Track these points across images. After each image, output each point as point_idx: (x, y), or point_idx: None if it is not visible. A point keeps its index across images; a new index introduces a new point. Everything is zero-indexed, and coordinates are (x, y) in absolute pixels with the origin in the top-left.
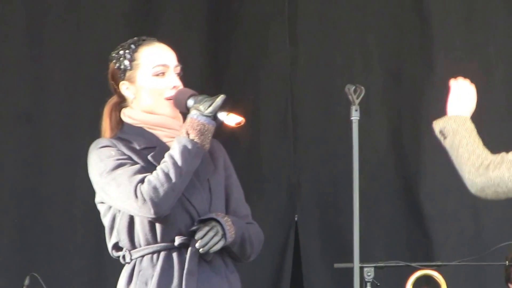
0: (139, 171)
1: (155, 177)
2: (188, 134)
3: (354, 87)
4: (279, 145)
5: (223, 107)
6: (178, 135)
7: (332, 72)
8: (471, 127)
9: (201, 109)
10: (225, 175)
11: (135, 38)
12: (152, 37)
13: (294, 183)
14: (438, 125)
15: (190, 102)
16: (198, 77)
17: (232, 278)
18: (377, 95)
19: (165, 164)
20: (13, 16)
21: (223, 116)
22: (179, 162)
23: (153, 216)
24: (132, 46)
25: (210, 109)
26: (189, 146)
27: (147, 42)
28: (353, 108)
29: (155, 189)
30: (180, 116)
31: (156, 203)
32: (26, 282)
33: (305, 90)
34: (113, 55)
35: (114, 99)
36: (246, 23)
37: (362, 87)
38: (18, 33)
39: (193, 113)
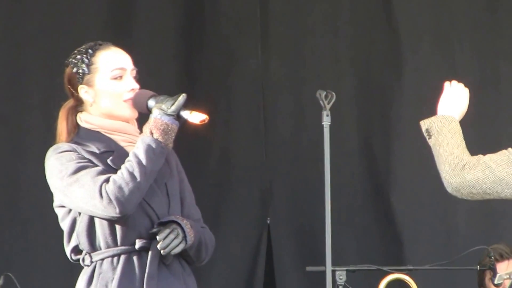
0: (102, 172)
1: (120, 177)
2: (152, 134)
3: (325, 93)
4: (251, 149)
5: (185, 105)
6: (138, 138)
7: (303, 78)
8: (456, 128)
9: (164, 109)
10: (178, 179)
11: (91, 43)
12: (127, 43)
13: (266, 186)
14: (424, 124)
15: (151, 103)
16: (172, 83)
17: (189, 281)
18: (348, 100)
19: (130, 163)
20: None
21: (187, 114)
22: (144, 161)
23: (118, 215)
24: (90, 51)
25: (173, 108)
26: (153, 146)
27: (103, 46)
28: (324, 113)
29: (120, 188)
30: (135, 121)
31: (122, 202)
32: (0, 281)
33: (277, 96)
34: (70, 60)
35: (70, 103)
36: (219, 30)
37: (333, 93)
38: None
39: (156, 113)
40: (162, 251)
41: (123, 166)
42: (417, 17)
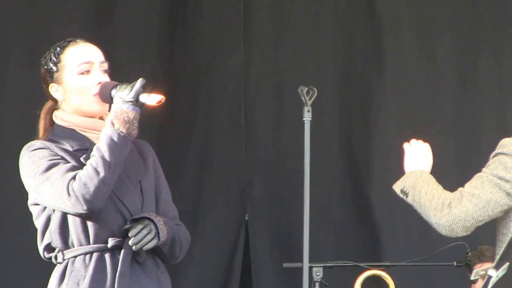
0: (71, 169)
1: (85, 173)
2: (113, 125)
3: (306, 89)
4: (231, 145)
5: (144, 90)
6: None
7: (285, 74)
8: (428, 177)
9: (123, 96)
10: (154, 177)
11: (61, 41)
12: (110, 41)
13: (245, 183)
14: (397, 187)
15: (113, 92)
16: (155, 79)
17: (163, 278)
18: (329, 96)
19: (94, 159)
20: None
21: (145, 98)
22: (107, 155)
23: (86, 212)
24: (58, 48)
25: (132, 94)
26: (115, 137)
27: (72, 43)
28: (306, 109)
29: (85, 185)
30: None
31: (87, 199)
32: None
33: (258, 92)
34: (42, 59)
35: (49, 103)
36: (201, 26)
37: (315, 89)
38: None
39: (116, 103)
40: (133, 247)
41: (88, 162)
42: (399, 13)
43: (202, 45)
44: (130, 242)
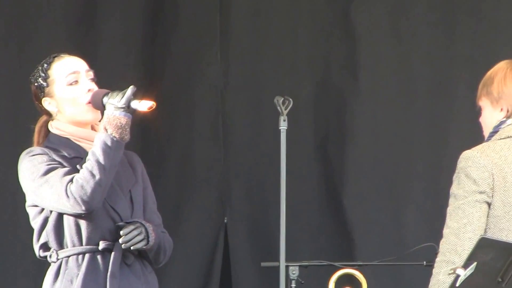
0: (69, 172)
1: (81, 176)
2: (106, 130)
3: (282, 99)
4: (210, 152)
5: (135, 97)
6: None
7: (261, 84)
8: None
9: (115, 103)
10: (142, 186)
11: (47, 58)
12: (94, 54)
13: (224, 187)
14: None
15: (105, 99)
16: (137, 88)
17: (150, 278)
18: (305, 105)
19: (89, 162)
20: None
21: (136, 104)
22: (101, 159)
23: (84, 212)
24: (45, 65)
25: (123, 100)
26: (109, 142)
27: (57, 58)
28: (281, 118)
29: (82, 187)
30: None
31: (85, 200)
32: None
33: (236, 101)
34: (31, 77)
35: (43, 118)
36: (181, 38)
37: (290, 99)
38: None
39: (108, 109)
40: (123, 245)
41: (84, 165)
42: (374, 23)
43: (181, 58)
44: (120, 240)
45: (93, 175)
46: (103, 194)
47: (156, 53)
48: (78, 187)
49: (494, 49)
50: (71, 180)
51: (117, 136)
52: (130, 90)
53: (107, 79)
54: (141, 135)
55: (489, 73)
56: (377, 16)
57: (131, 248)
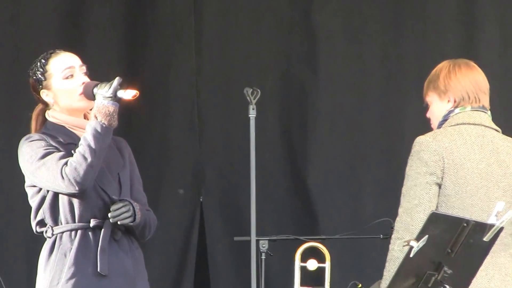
0: (64, 156)
1: (75, 160)
2: (96, 118)
3: (251, 90)
4: (187, 138)
5: (121, 87)
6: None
7: (231, 77)
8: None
9: (103, 93)
10: (130, 169)
11: (44, 54)
12: (80, 46)
13: (199, 170)
14: None
15: (95, 90)
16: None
17: (137, 253)
18: (271, 96)
19: (81, 147)
20: None
21: (122, 94)
22: (92, 143)
23: (78, 191)
24: (42, 60)
25: (110, 90)
26: (99, 128)
27: (54, 54)
28: (250, 107)
29: (75, 169)
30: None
31: (78, 181)
32: None
33: (209, 92)
34: (29, 71)
35: (39, 107)
36: (158, 37)
37: (258, 90)
38: None
39: (97, 99)
40: (112, 219)
41: (77, 150)
42: (331, 23)
43: (160, 55)
44: (110, 215)
45: (85, 158)
46: (94, 174)
47: (137, 52)
48: (72, 169)
49: (438, 47)
50: (66, 163)
51: (106, 123)
52: (116, 81)
53: (95, 72)
54: (125, 123)
55: (433, 72)
56: (334, 17)
57: (119, 223)
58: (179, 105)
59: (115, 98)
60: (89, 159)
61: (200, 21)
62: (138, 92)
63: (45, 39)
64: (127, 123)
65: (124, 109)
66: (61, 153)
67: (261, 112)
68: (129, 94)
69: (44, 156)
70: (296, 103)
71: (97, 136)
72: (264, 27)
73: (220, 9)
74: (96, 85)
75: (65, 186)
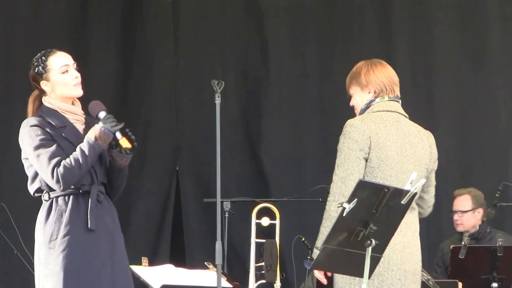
0: (56, 154)
1: (69, 163)
2: (96, 139)
3: (217, 82)
4: (166, 119)
5: (121, 132)
6: (88, 132)
7: (202, 72)
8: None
9: (107, 127)
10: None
11: (43, 51)
12: (83, 50)
13: (176, 145)
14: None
15: (101, 115)
16: (112, 77)
17: (113, 211)
18: (232, 87)
19: (77, 154)
20: None
21: (119, 136)
22: (87, 154)
23: (61, 189)
24: (43, 57)
25: (113, 129)
26: (95, 147)
27: (52, 52)
28: (216, 95)
29: (68, 171)
30: (79, 103)
31: (66, 182)
32: None
33: (184, 83)
34: (31, 65)
35: (36, 93)
36: (145, 40)
37: (222, 82)
38: None
39: (101, 125)
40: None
41: (71, 155)
42: (279, 30)
43: (146, 54)
44: (100, 114)
45: (79, 166)
46: (80, 177)
47: (127, 53)
48: (66, 171)
49: (363, 49)
50: (58, 164)
51: (100, 144)
52: (121, 125)
53: (94, 71)
54: (118, 106)
55: (354, 69)
56: (282, 25)
57: (110, 129)
58: (161, 93)
59: (113, 134)
60: (81, 166)
61: (177, 29)
62: (131, 146)
63: (56, 40)
64: (120, 107)
65: (118, 98)
66: (53, 149)
67: (225, 99)
68: (123, 142)
69: (39, 147)
70: (252, 93)
71: (92, 151)
72: (228, 33)
73: (194, 19)
74: (102, 110)
75: (52, 182)
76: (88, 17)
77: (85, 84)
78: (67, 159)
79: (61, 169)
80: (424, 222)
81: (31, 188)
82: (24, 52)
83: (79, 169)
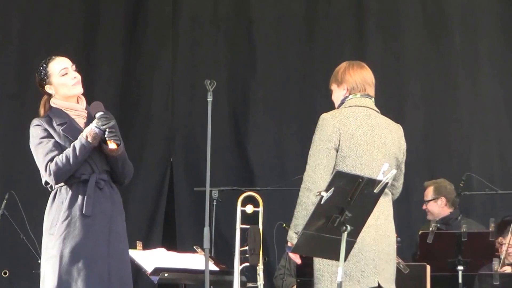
0: (51, 150)
1: (60, 160)
2: (86, 138)
3: (209, 81)
4: (163, 113)
5: (111, 128)
6: (83, 131)
7: (196, 72)
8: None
9: (98, 125)
10: None
11: (44, 60)
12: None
13: (171, 137)
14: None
15: (97, 115)
16: (118, 78)
17: (116, 197)
18: (223, 86)
19: (69, 151)
20: None
21: (108, 136)
22: (77, 152)
23: (54, 184)
24: (44, 65)
25: (103, 127)
26: (85, 144)
27: (51, 59)
28: (209, 93)
29: (59, 168)
30: (84, 100)
31: (58, 177)
32: (6, 197)
33: (180, 83)
34: (36, 72)
35: (45, 97)
36: (147, 44)
37: (214, 81)
38: None
39: (93, 124)
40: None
41: (65, 152)
42: (265, 37)
43: (147, 57)
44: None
45: (68, 161)
46: (71, 172)
47: (132, 54)
48: (57, 167)
49: (339, 52)
50: (52, 160)
51: (91, 142)
52: (112, 123)
53: (99, 71)
54: (120, 102)
55: (336, 69)
56: (268, 32)
57: (102, 127)
58: (159, 91)
59: (103, 132)
60: (71, 163)
61: (176, 34)
62: (117, 148)
63: (67, 41)
64: (121, 102)
65: (121, 94)
66: (50, 146)
67: (216, 97)
68: (109, 143)
69: (37, 144)
70: (240, 91)
71: (83, 149)
72: (220, 38)
73: (190, 26)
74: (100, 111)
75: (46, 177)
76: (97, 22)
77: (91, 80)
78: (60, 156)
79: (53, 165)
80: (395, 210)
81: (43, 179)
82: (38, 52)
83: (69, 165)
